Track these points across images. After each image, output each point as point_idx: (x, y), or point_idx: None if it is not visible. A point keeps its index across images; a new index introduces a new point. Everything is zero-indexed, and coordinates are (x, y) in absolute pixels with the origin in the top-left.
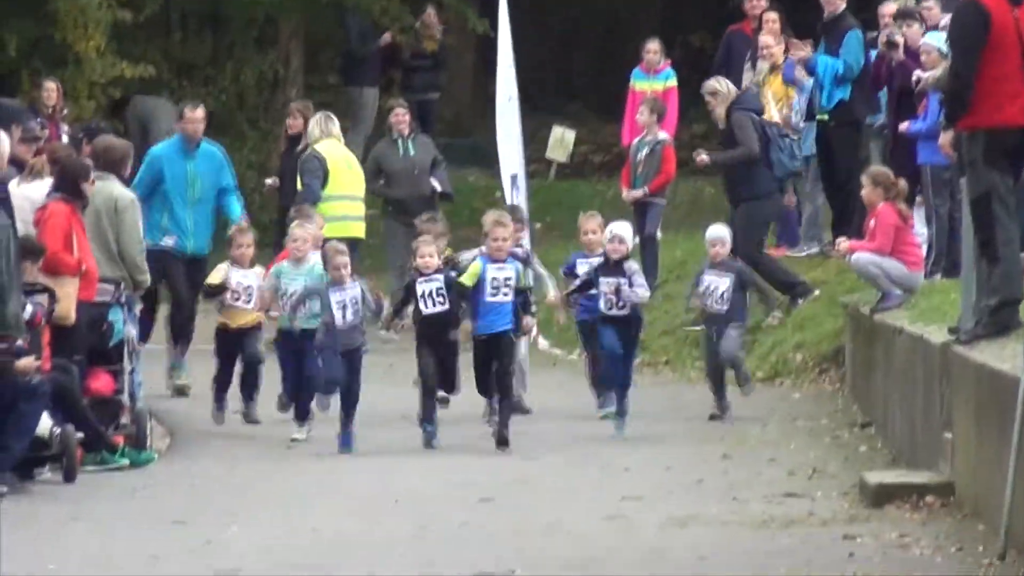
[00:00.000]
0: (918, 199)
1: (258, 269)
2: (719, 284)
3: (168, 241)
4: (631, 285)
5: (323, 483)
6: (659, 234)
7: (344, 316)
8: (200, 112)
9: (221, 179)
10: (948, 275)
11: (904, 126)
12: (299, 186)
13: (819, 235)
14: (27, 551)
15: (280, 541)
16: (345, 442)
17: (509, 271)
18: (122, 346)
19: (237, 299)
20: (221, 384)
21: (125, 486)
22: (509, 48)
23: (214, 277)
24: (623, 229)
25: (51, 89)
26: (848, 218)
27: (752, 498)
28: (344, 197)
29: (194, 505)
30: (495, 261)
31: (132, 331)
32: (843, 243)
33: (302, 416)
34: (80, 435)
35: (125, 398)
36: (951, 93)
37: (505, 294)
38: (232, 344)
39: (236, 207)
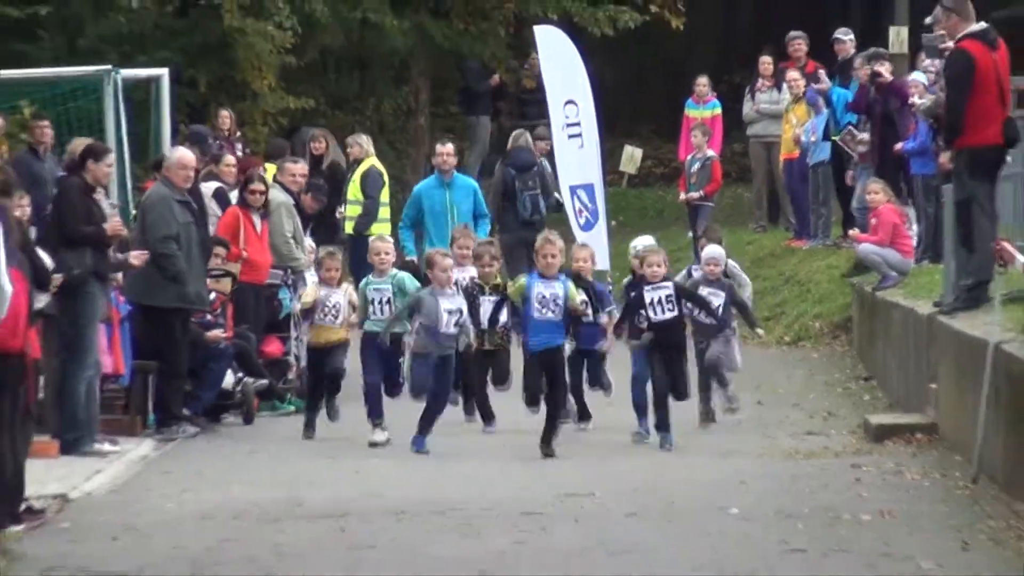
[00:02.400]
0: (909, 201)
1: (345, 286)
2: (714, 300)
3: None
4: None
5: (444, 428)
6: (700, 231)
7: (448, 324)
8: (449, 147)
9: (476, 206)
10: (933, 261)
11: (899, 146)
12: (358, 196)
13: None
14: (217, 477)
15: (412, 471)
16: (419, 444)
17: (557, 288)
18: (289, 318)
19: (324, 317)
20: (313, 402)
21: (292, 427)
22: (564, 88)
23: (307, 298)
24: (648, 244)
25: (224, 117)
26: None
27: (780, 435)
28: (384, 204)
29: (344, 443)
30: (544, 279)
31: (296, 306)
32: (855, 232)
33: (377, 416)
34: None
35: (292, 359)
36: (949, 121)
37: (553, 311)
38: (321, 359)
39: (482, 230)
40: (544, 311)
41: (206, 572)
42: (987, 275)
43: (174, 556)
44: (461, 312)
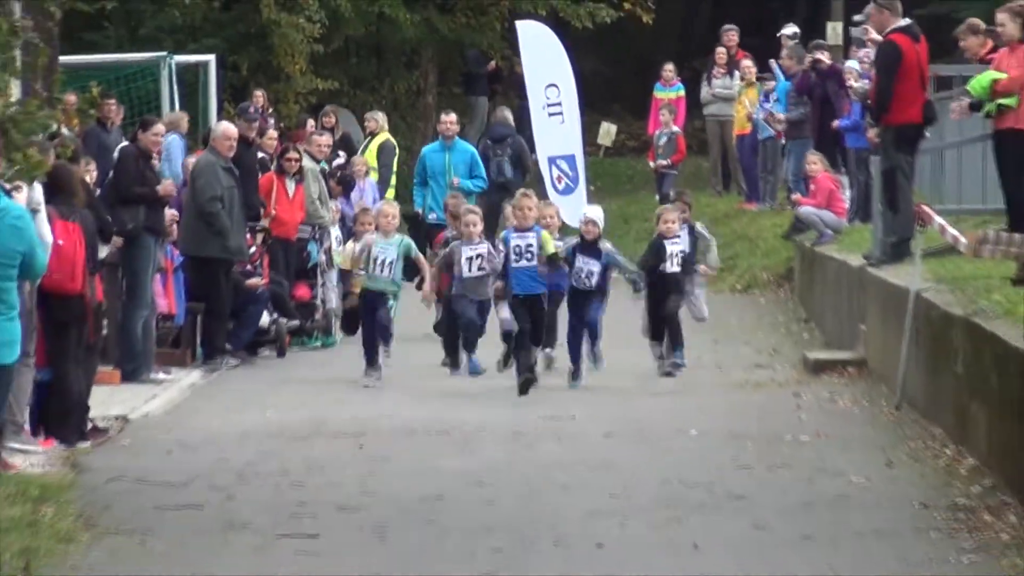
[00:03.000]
0: (843, 170)
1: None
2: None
3: (431, 216)
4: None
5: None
6: (672, 194)
7: (471, 268)
8: (452, 116)
9: (472, 168)
10: (863, 221)
11: (835, 123)
12: (372, 164)
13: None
14: (255, 400)
15: (421, 396)
16: (474, 368)
17: (531, 239)
18: (316, 267)
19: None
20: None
21: (318, 360)
22: (543, 73)
23: (344, 262)
24: (595, 212)
25: (258, 96)
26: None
27: (733, 368)
28: (393, 172)
29: (361, 375)
30: (519, 231)
31: (323, 257)
32: (797, 196)
33: (372, 363)
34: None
35: (319, 302)
36: (878, 102)
37: (528, 259)
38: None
39: (470, 184)
40: (520, 260)
41: (246, 481)
42: (909, 233)
43: (218, 468)
44: (481, 257)
